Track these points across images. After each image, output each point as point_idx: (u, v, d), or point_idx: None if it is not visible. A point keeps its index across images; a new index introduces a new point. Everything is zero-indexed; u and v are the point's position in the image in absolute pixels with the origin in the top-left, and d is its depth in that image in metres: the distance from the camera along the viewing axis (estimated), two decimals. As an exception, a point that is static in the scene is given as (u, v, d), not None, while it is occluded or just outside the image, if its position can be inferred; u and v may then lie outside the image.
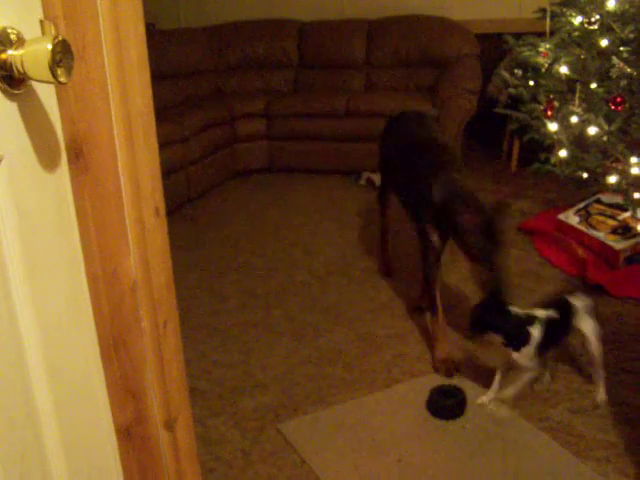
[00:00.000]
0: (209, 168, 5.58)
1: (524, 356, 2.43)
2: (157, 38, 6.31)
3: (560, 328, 2.53)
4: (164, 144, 4.78)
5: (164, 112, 5.55)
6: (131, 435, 1.23)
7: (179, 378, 1.36)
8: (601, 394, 2.56)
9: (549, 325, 2.46)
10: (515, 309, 2.46)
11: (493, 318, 2.43)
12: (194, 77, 6.38)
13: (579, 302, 2.55)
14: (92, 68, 1.06)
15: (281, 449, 2.42)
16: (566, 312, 2.52)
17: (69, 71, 0.89)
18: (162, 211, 1.29)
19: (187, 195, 5.26)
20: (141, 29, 1.20)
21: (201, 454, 2.40)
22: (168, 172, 4.85)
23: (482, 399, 2.60)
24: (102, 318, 1.15)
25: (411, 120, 3.42)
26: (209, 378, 2.89)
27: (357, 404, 2.66)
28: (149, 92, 1.22)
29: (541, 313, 2.48)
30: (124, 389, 1.20)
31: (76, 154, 1.07)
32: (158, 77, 6.01)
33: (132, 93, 1.16)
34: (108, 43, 1.08)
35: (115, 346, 1.18)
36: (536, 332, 2.42)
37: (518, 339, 2.41)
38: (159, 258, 1.27)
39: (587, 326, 2.54)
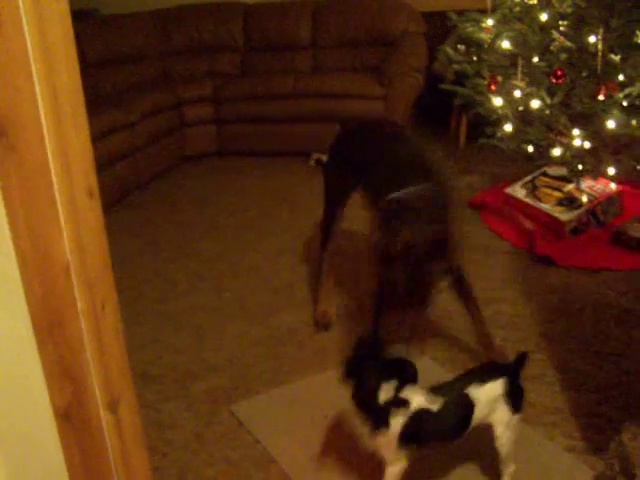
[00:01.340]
0: (157, 154, 5.52)
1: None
2: (101, 23, 6.21)
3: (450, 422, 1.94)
4: (110, 131, 4.75)
5: (109, 98, 5.47)
6: (70, 418, 1.21)
7: (120, 359, 1.35)
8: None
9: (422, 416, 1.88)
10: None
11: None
12: (139, 62, 6.28)
13: (488, 391, 1.93)
14: (12, 45, 1.04)
15: (234, 430, 2.42)
16: (464, 405, 1.93)
17: (-17, 46, 0.88)
18: (95, 192, 1.27)
19: (136, 182, 5.19)
20: (64, 6, 1.17)
21: (154, 439, 2.39)
22: (115, 159, 4.80)
23: None
24: (35, 299, 1.13)
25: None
26: (161, 363, 2.87)
27: (309, 382, 2.67)
28: (76, 69, 1.20)
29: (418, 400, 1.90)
30: (61, 371, 1.19)
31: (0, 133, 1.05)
32: (103, 63, 5.92)
33: (58, 70, 1.14)
34: (28, 19, 1.05)
35: (50, 328, 1.16)
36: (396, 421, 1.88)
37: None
38: (94, 239, 1.25)
39: (496, 416, 1.95)
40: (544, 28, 3.56)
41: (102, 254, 1.28)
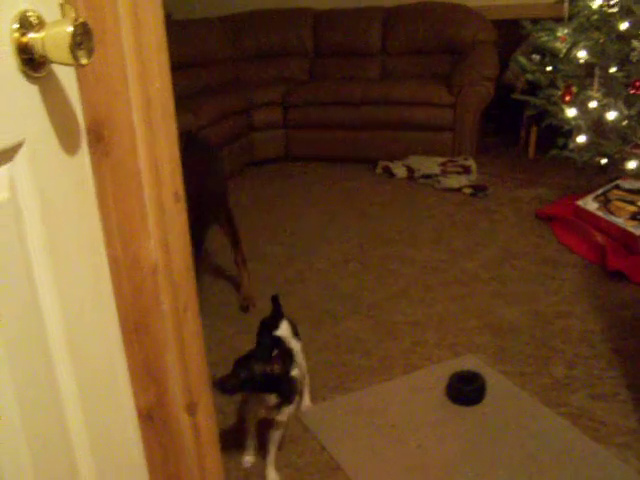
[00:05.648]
0: (226, 157, 5.57)
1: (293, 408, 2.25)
2: (173, 28, 6.31)
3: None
4: (179, 134, 4.79)
5: (180, 101, 5.54)
6: (153, 418, 1.23)
7: (200, 362, 1.36)
8: (306, 401, 2.58)
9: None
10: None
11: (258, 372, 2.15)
12: (210, 67, 6.38)
13: (282, 331, 2.40)
14: (111, 51, 1.06)
15: (300, 436, 2.43)
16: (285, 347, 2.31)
17: (90, 53, 0.89)
18: (181, 195, 1.29)
19: (204, 184, 5.26)
20: (159, 13, 1.20)
21: (220, 441, 2.41)
22: (184, 162, 4.86)
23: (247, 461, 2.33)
24: (123, 302, 1.15)
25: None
26: (227, 365, 2.88)
27: (376, 391, 2.66)
28: (168, 76, 1.22)
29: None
30: (145, 372, 1.21)
31: (96, 137, 1.07)
32: (174, 67, 5.93)
33: (151, 76, 1.16)
34: (127, 27, 1.08)
35: (136, 330, 1.18)
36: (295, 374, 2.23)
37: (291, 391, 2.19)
38: (179, 242, 1.27)
39: (295, 346, 2.41)
40: (623, 37, 3.48)
41: (186, 257, 1.30)
